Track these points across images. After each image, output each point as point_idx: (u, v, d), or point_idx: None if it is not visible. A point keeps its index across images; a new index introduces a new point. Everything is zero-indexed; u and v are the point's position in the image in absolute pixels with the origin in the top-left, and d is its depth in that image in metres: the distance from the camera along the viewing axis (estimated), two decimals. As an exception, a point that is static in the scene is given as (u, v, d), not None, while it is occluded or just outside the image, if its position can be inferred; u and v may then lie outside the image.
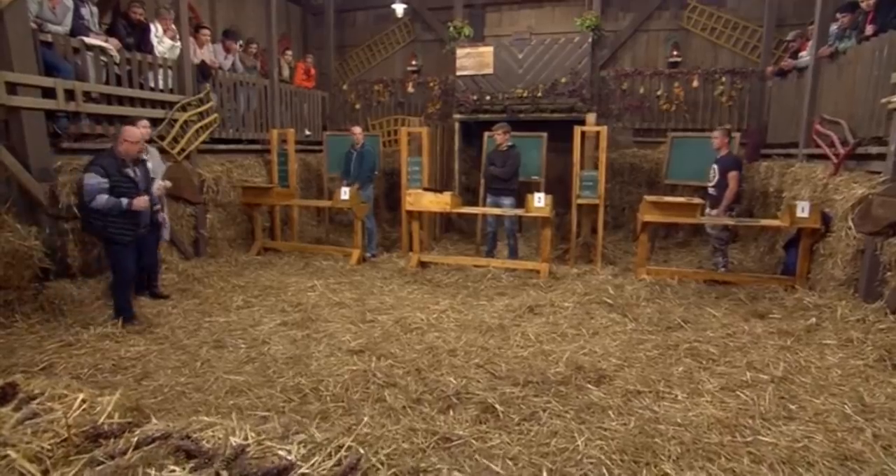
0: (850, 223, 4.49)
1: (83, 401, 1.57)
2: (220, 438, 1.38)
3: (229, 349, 3.85)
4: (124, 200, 4.10)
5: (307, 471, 1.15)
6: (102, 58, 5.15)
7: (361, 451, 1.22)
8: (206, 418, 1.50)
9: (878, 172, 4.49)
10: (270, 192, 6.87)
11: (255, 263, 6.48)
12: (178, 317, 4.51)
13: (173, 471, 1.21)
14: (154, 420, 1.55)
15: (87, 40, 4.92)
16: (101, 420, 1.49)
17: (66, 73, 4.68)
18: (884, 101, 4.10)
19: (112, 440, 1.41)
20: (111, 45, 5.16)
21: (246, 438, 1.35)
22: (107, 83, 5.23)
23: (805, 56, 6.38)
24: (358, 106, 9.77)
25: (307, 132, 8.95)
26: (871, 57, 4.76)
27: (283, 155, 7.55)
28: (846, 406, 2.95)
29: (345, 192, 6.25)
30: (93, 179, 4.03)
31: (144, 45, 5.70)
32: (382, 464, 1.17)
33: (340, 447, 1.23)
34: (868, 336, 3.80)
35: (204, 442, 1.38)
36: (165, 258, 5.84)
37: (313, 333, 4.14)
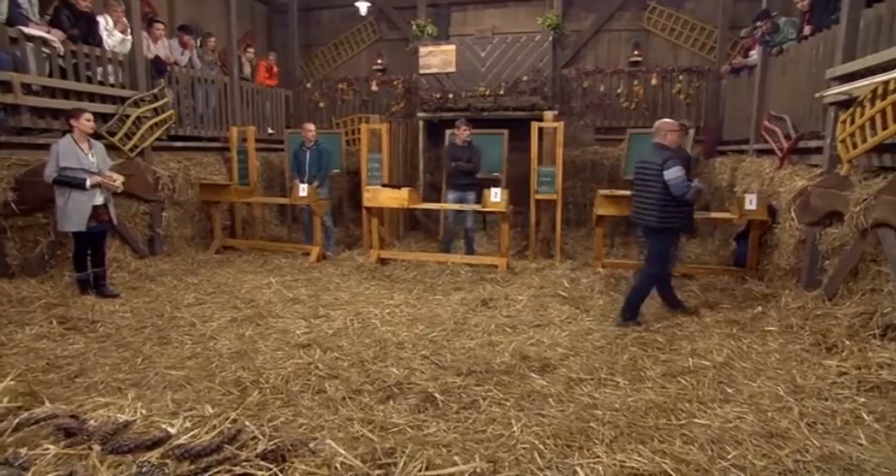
0: (793, 214, 4.63)
1: (-30, 386, 1.50)
2: (109, 417, 1.34)
3: (174, 345, 3.75)
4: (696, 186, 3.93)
5: (183, 441, 1.12)
6: (45, 49, 4.98)
7: (247, 423, 1.20)
8: (100, 399, 1.45)
9: (817, 165, 4.65)
10: (229, 189, 6.75)
11: (213, 262, 6.35)
12: (125, 315, 4.38)
13: (47, 449, 1.16)
14: (47, 403, 1.49)
15: (27, 30, 4.75)
16: (-13, 405, 1.43)
17: (3, 64, 4.51)
18: (817, 95, 4.24)
19: (-7, 424, 1.35)
20: (54, 36, 5.00)
21: (135, 415, 1.32)
22: (50, 76, 5.06)
23: (754, 54, 6.57)
24: (322, 105, 9.69)
25: (270, 131, 8.82)
26: (809, 55, 4.94)
27: (244, 152, 7.43)
28: (779, 388, 3.03)
29: (303, 189, 6.18)
30: (681, 172, 3.84)
31: (92, 37, 5.54)
32: (264, 435, 1.15)
33: (227, 420, 1.21)
34: (806, 322, 3.90)
35: (92, 421, 1.33)
36: (117, 256, 5.69)
37: (263, 329, 4.07)
